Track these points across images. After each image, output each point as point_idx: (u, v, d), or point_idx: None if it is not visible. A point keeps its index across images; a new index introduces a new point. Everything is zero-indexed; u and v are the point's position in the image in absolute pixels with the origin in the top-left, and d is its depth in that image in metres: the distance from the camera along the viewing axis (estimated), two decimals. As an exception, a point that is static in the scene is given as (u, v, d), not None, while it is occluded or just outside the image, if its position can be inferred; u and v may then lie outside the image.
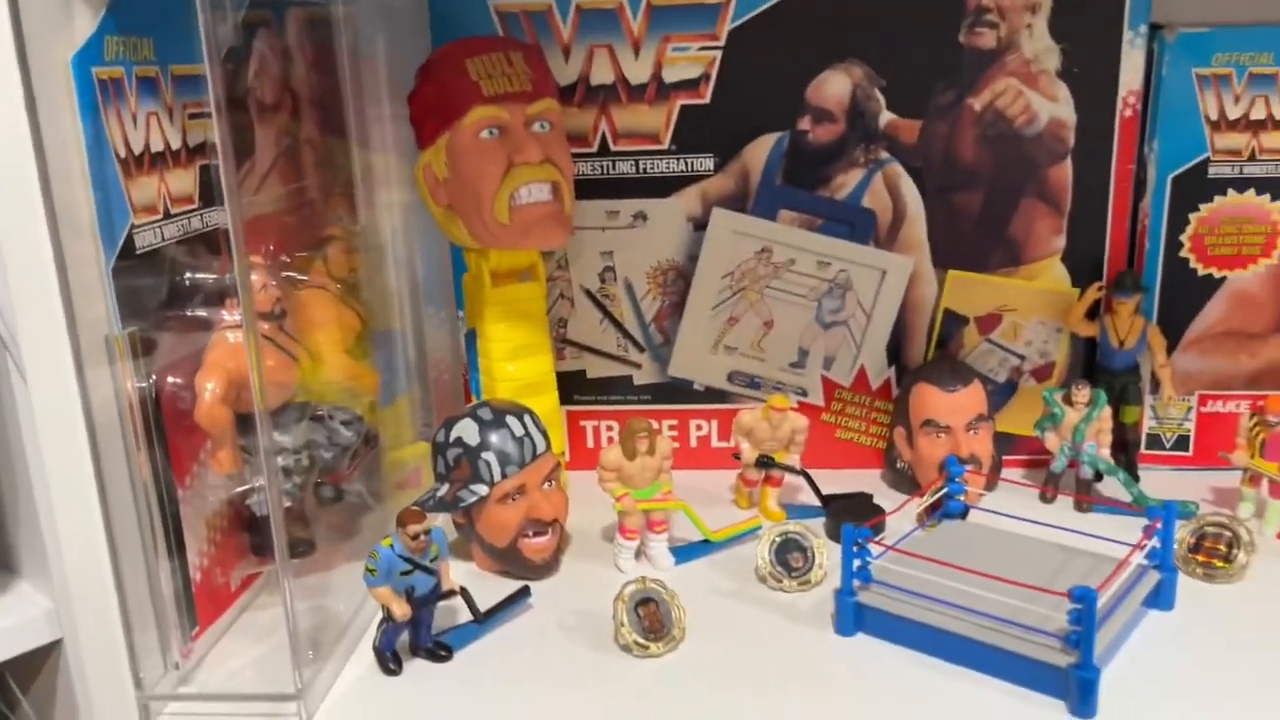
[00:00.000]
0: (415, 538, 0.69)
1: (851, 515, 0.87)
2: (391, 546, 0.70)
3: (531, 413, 0.86)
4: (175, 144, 0.72)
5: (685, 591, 0.82)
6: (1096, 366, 0.97)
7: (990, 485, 0.96)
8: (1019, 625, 0.69)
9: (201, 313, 0.73)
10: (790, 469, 0.92)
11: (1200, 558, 0.81)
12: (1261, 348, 0.97)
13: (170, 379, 0.70)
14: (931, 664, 0.72)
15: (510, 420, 0.84)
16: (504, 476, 0.82)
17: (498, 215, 0.84)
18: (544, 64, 0.89)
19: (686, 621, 0.76)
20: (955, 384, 0.93)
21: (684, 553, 0.88)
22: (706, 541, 0.88)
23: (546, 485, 0.85)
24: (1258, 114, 0.91)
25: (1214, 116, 0.91)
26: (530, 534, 0.84)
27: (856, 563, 0.75)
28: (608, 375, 1.03)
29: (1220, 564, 0.80)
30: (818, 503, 0.93)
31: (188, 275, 0.72)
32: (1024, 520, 0.83)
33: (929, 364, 0.98)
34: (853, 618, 0.75)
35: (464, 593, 0.74)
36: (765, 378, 1.02)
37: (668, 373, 1.03)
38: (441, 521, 0.90)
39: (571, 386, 1.03)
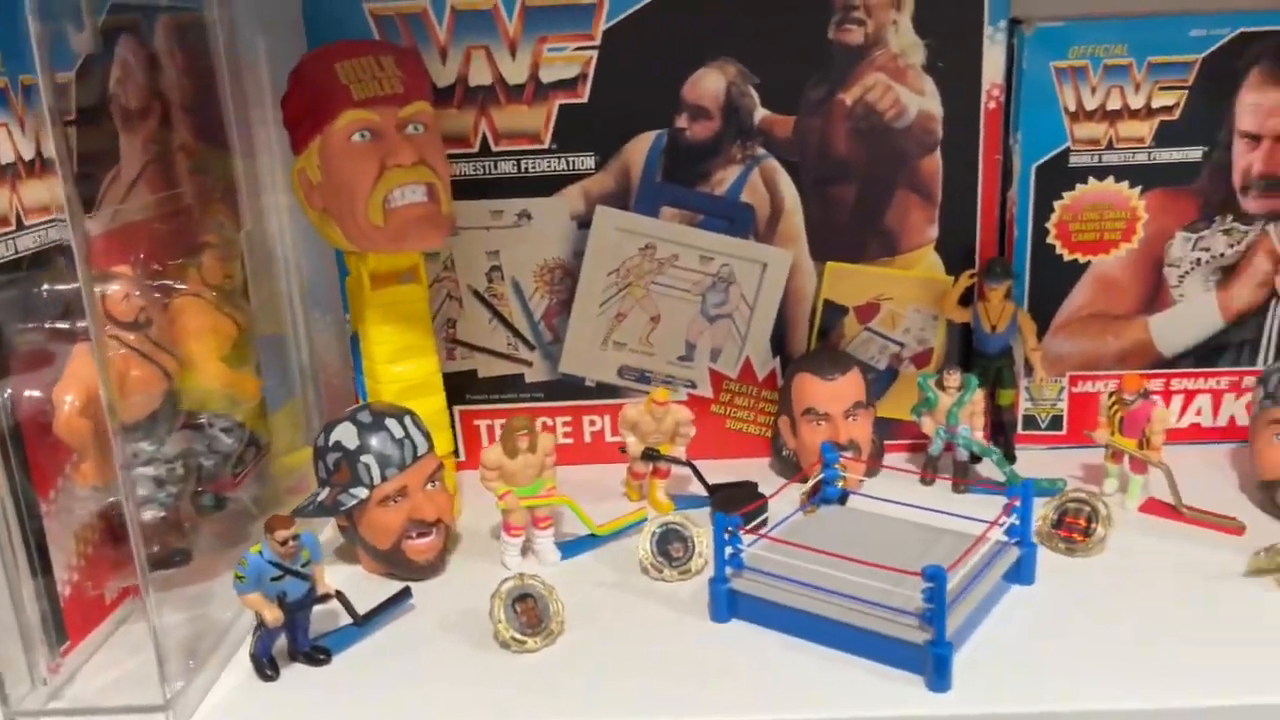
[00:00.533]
0: (284, 543, 0.69)
1: (735, 503, 0.89)
2: (261, 553, 0.70)
3: (413, 414, 0.86)
4: (28, 154, 0.71)
5: (569, 585, 0.83)
6: (972, 351, 1.01)
7: (872, 470, 0.98)
8: (881, 606, 0.71)
9: (62, 325, 0.72)
10: (676, 460, 0.94)
11: (1062, 533, 0.85)
12: (1126, 329, 1.01)
13: (28, 392, 0.69)
14: (801, 646, 0.74)
15: (390, 422, 0.84)
16: (384, 479, 0.83)
17: (372, 218, 0.84)
18: (417, 66, 0.89)
19: (566, 615, 0.77)
20: (834, 372, 0.96)
21: (571, 547, 0.89)
22: (593, 535, 0.90)
23: (430, 486, 0.85)
24: (1114, 104, 0.95)
25: (1072, 107, 0.95)
26: (414, 535, 0.84)
27: (728, 550, 0.77)
28: (499, 374, 1.04)
29: (1080, 539, 0.84)
30: (705, 492, 0.95)
31: (45, 287, 0.71)
32: (900, 504, 0.86)
33: (809, 354, 1.00)
34: (726, 604, 0.77)
35: (340, 596, 0.75)
36: (655, 372, 1.03)
37: (559, 370, 1.04)
38: (326, 525, 0.91)
39: (464, 386, 1.04)
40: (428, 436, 0.86)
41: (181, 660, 0.73)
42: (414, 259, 0.92)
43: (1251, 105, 0.94)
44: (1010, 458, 1.01)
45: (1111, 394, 0.91)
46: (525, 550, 0.88)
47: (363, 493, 0.83)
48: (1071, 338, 1.01)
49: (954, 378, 0.93)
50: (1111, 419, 0.91)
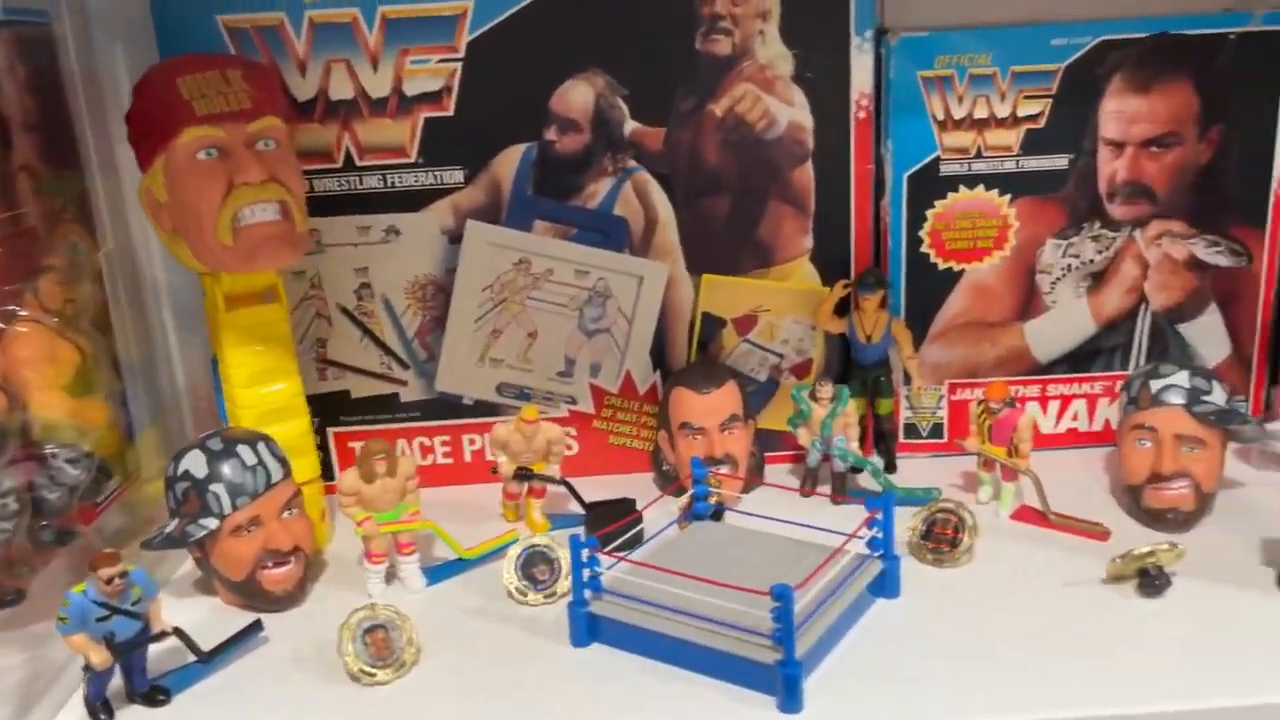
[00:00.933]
0: (109, 581, 0.66)
1: (611, 520, 0.88)
2: (85, 592, 0.66)
3: (267, 439, 0.83)
4: None
5: (432, 612, 0.81)
6: (850, 362, 1.01)
7: (752, 484, 0.97)
8: (734, 627, 0.70)
9: None
10: (549, 479, 0.92)
11: (930, 544, 0.84)
12: (1002, 336, 1.01)
13: None
14: (659, 670, 0.73)
15: (242, 449, 0.81)
16: (235, 508, 0.80)
17: (220, 237, 0.81)
18: (268, 81, 0.86)
19: (420, 644, 0.75)
20: (708, 386, 0.94)
21: (438, 572, 0.87)
22: (461, 560, 0.88)
23: (286, 514, 0.82)
24: (980, 113, 0.95)
25: (941, 116, 0.95)
26: (269, 565, 0.81)
27: (586, 573, 0.75)
28: (373, 394, 1.01)
29: (948, 549, 0.84)
30: (582, 510, 0.94)
31: None
32: (775, 520, 0.85)
33: (686, 368, 0.99)
34: (586, 628, 0.76)
35: (179, 633, 0.72)
36: (535, 388, 1.02)
37: (435, 388, 1.01)
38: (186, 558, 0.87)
39: (337, 408, 1.01)
40: (284, 462, 0.83)
41: (14, 705, 0.70)
42: (272, 278, 0.89)
43: (1114, 113, 0.95)
44: (892, 467, 1.02)
45: (980, 403, 0.91)
46: (390, 577, 0.86)
47: (212, 523, 0.80)
48: (949, 346, 1.01)
49: (826, 389, 0.93)
50: (981, 427, 0.91)
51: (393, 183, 0.96)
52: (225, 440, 0.82)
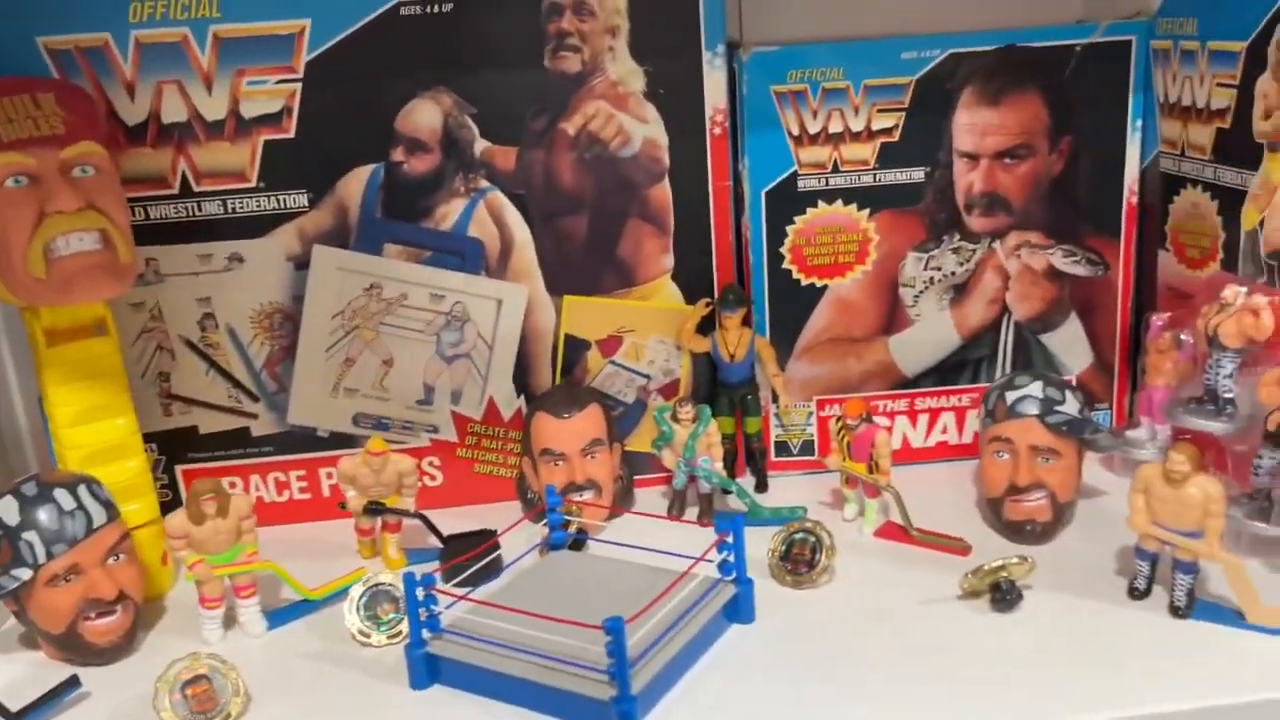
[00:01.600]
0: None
1: (465, 553, 0.85)
2: None
3: (90, 481, 0.79)
4: None
5: (270, 657, 0.78)
6: (717, 381, 0.99)
7: (619, 509, 0.95)
8: (572, 663, 0.68)
9: None
10: (401, 513, 0.89)
11: (789, 565, 0.83)
12: (867, 351, 1.01)
13: None
14: (500, 710, 0.70)
15: (59, 493, 0.76)
16: (50, 557, 0.75)
17: (31, 270, 0.76)
18: (86, 104, 0.82)
19: (250, 693, 0.71)
20: (569, 410, 0.92)
21: (282, 615, 0.83)
22: (306, 600, 0.84)
23: (111, 560, 0.78)
24: (835, 127, 0.94)
25: (796, 131, 0.94)
26: (92, 615, 0.77)
27: (423, 612, 0.72)
28: (223, 429, 0.97)
29: (806, 570, 0.82)
30: (440, 544, 0.90)
31: None
32: (636, 547, 0.82)
33: (547, 392, 0.97)
34: (425, 670, 0.72)
35: (-23, 695, 0.67)
36: (393, 418, 0.98)
37: (287, 421, 0.97)
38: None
39: (184, 444, 0.96)
40: (109, 505, 0.79)
41: None
42: (99, 311, 0.84)
43: (966, 125, 0.95)
44: (763, 486, 1.00)
45: (838, 419, 0.90)
46: (231, 621, 0.82)
47: (25, 574, 0.75)
48: (815, 362, 1.00)
49: (687, 410, 0.91)
50: (840, 444, 0.90)
51: (233, 208, 0.92)
52: (41, 485, 0.77)
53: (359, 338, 0.96)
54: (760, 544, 0.84)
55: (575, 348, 0.98)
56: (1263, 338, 0.81)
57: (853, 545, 0.88)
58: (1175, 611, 0.74)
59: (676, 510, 0.95)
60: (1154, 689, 0.67)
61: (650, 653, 0.68)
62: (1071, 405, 0.86)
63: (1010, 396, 0.87)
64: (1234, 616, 0.73)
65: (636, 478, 1.01)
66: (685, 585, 0.74)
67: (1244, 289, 0.82)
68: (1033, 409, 0.86)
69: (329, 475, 0.99)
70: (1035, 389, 0.87)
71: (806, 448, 1.03)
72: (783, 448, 1.03)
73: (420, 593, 0.71)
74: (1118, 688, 0.67)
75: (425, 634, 0.72)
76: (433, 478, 1.00)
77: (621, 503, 0.96)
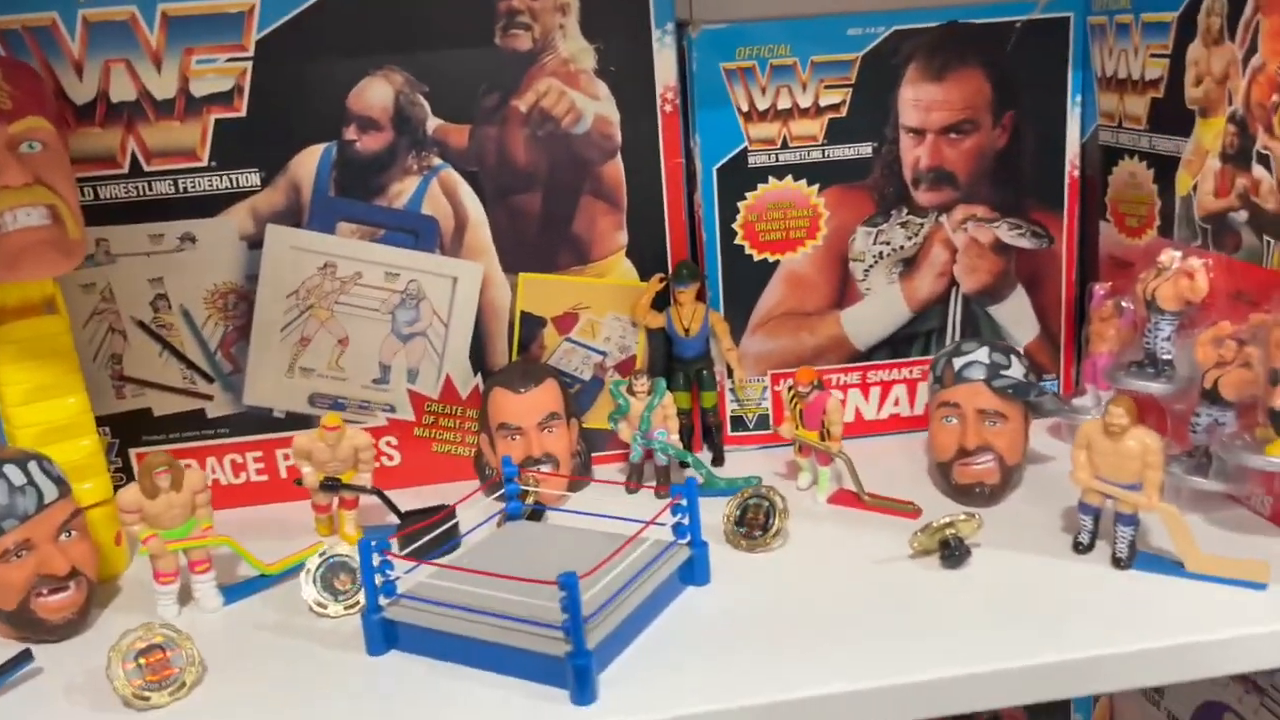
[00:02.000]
0: None
1: (426, 529, 0.86)
2: None
3: (42, 459, 0.78)
4: None
5: (226, 630, 0.77)
6: (672, 356, 1.00)
7: (578, 483, 0.96)
8: (529, 622, 0.68)
9: None
10: (358, 488, 0.89)
11: (744, 530, 0.84)
12: (820, 325, 1.02)
13: None
14: (457, 672, 0.70)
15: (9, 469, 0.75)
16: (1, 532, 0.74)
17: (-23, 246, 0.76)
18: (32, 81, 0.82)
19: (206, 663, 0.71)
20: (525, 384, 0.93)
21: (238, 590, 0.82)
22: (263, 575, 0.84)
23: (63, 536, 0.77)
24: (784, 104, 0.96)
25: (745, 108, 0.96)
26: (44, 592, 0.76)
27: (379, 578, 0.72)
28: (177, 411, 0.96)
29: (760, 534, 0.83)
30: (398, 520, 0.91)
31: None
32: (594, 515, 0.83)
33: (504, 368, 0.97)
34: (382, 635, 0.72)
35: (-75, 668, 0.66)
36: (349, 397, 0.98)
37: (243, 402, 0.97)
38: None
39: (138, 427, 0.96)
40: (60, 482, 0.78)
41: None
42: (48, 289, 0.84)
43: (912, 101, 0.97)
44: (719, 460, 1.01)
45: (790, 388, 0.91)
46: (186, 598, 0.81)
47: (-26, 550, 0.74)
48: (769, 336, 1.02)
49: (642, 382, 0.92)
50: (793, 413, 0.91)
51: (185, 188, 0.92)
52: (-10, 461, 0.76)
53: (314, 317, 0.96)
54: (716, 514, 0.85)
55: (531, 325, 0.99)
56: (1198, 299, 0.83)
57: (807, 513, 0.89)
58: (1117, 563, 0.76)
59: (634, 483, 0.96)
60: (1096, 634, 0.68)
61: (605, 610, 0.69)
62: (1017, 370, 0.88)
63: (957, 362, 0.89)
64: (1174, 566, 0.75)
65: (594, 454, 1.02)
66: (639, 547, 0.74)
67: (1179, 253, 0.85)
68: (979, 374, 0.88)
69: (286, 456, 0.99)
70: (982, 355, 0.88)
71: (762, 422, 1.04)
72: (738, 422, 1.04)
73: (376, 558, 0.72)
74: (1061, 633, 0.69)
75: (381, 600, 0.72)
76: (390, 457, 1.00)
77: (578, 477, 0.97)
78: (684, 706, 0.64)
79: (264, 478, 0.99)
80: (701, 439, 1.03)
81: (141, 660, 0.69)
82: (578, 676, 0.65)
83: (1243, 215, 0.80)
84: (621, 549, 0.72)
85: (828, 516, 0.89)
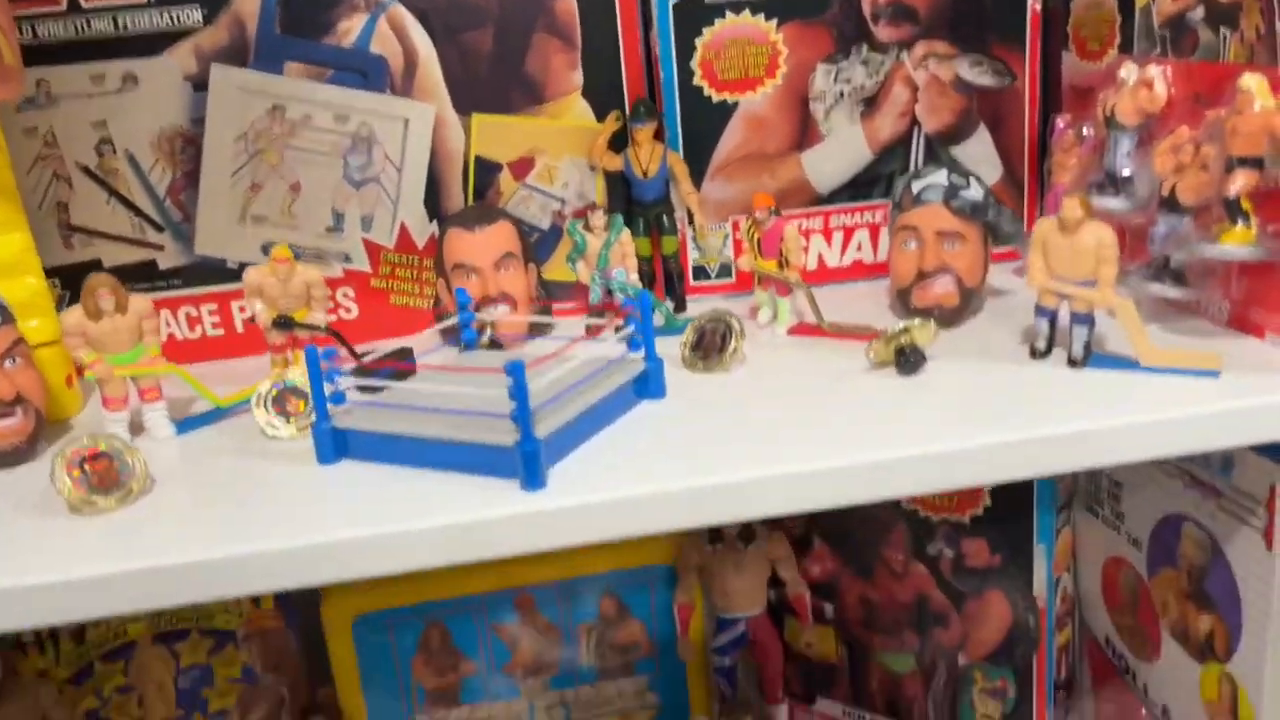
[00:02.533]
0: None
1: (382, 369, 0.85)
2: None
3: (-19, 285, 0.77)
4: None
5: (178, 453, 0.77)
6: (631, 200, 0.99)
7: (535, 330, 0.95)
8: (478, 414, 0.68)
9: None
10: (312, 327, 0.87)
11: (701, 353, 0.83)
12: (781, 168, 1.01)
13: None
14: (408, 474, 0.69)
15: (-52, 293, 0.75)
16: (-59, 354, 0.74)
17: (-94, 64, 0.74)
18: (-42, -101, 0.79)
19: (154, 476, 0.71)
20: (480, 223, 0.91)
21: (191, 422, 0.82)
22: (217, 408, 0.83)
23: (7, 363, 0.76)
24: (739, -66, 0.94)
25: (698, -61, 0.94)
26: (-11, 418, 0.75)
27: (327, 387, 0.71)
28: (128, 261, 0.95)
29: (717, 355, 0.83)
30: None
31: None
32: (550, 339, 0.82)
33: (458, 211, 0.96)
34: (332, 444, 0.72)
35: None
36: (304, 246, 0.97)
37: (195, 252, 0.96)
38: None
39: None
40: (2, 309, 0.77)
41: None
42: (-15, 122, 0.82)
43: (869, -70, 0.95)
44: (681, 308, 1.00)
45: (747, 217, 0.90)
46: (138, 430, 0.80)
47: (-86, 371, 0.73)
48: (729, 180, 1.00)
49: (598, 217, 0.91)
50: (752, 243, 0.90)
51: (124, 25, 0.89)
52: (-72, 284, 0.75)
53: (264, 161, 0.94)
54: (675, 349, 0.84)
55: (486, 171, 0.98)
56: (1157, 108, 0.82)
57: (767, 345, 0.89)
58: (1072, 363, 0.76)
59: (595, 328, 0.95)
60: (1051, 418, 0.68)
61: (554, 405, 0.68)
62: (976, 191, 0.87)
63: (916, 185, 0.88)
64: (1128, 363, 0.74)
65: (555, 307, 1.01)
66: (591, 354, 0.74)
67: (1137, 65, 0.84)
68: (937, 195, 0.86)
69: (241, 309, 0.98)
70: (940, 177, 0.87)
71: (724, 271, 1.03)
72: (700, 272, 1.03)
73: (324, 364, 0.71)
74: (1015, 419, 0.69)
75: (330, 408, 0.72)
76: (348, 310, 0.99)
77: (537, 321, 0.95)
78: (632, 488, 0.64)
79: (219, 331, 0.98)
80: (664, 289, 1.02)
81: (87, 467, 0.68)
82: (526, 462, 0.64)
83: (1199, 13, 0.79)
84: (571, 345, 0.71)
85: (788, 346, 0.89)
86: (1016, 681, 1.00)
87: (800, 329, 0.91)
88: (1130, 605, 0.93)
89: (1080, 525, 0.98)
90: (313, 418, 0.77)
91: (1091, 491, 0.96)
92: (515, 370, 0.63)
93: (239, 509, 0.67)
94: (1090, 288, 0.74)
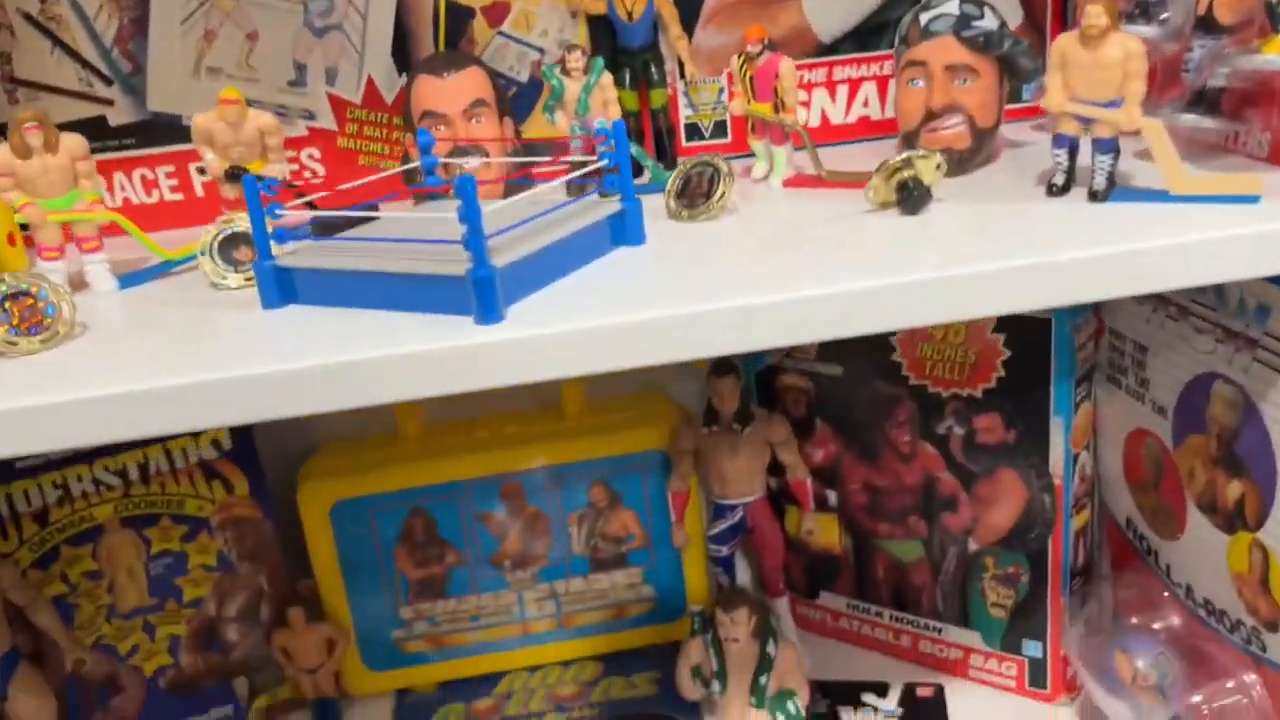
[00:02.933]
0: None
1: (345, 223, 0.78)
2: None
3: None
4: None
5: (118, 305, 0.71)
6: (617, 50, 0.91)
7: (511, 189, 0.88)
8: (432, 243, 0.61)
9: None
10: (270, 181, 0.81)
11: (686, 200, 0.76)
12: (780, 14, 0.92)
13: None
14: (358, 315, 0.64)
15: None
16: None
17: None
18: None
19: (85, 322, 0.65)
20: (450, 69, 0.83)
21: (136, 276, 0.76)
22: (167, 261, 0.77)
23: (-67, 206, 0.71)
24: None
25: None
26: (-87, 263, 0.70)
27: (270, 223, 0.65)
28: (76, 118, 0.88)
29: (703, 201, 0.76)
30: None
31: None
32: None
33: (427, 56, 0.89)
34: (276, 285, 0.66)
35: None
36: (263, 101, 0.90)
37: (148, 108, 0.89)
38: None
39: (35, 136, 0.89)
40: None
41: None
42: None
43: None
44: (671, 167, 0.93)
45: (739, 54, 0.82)
46: (79, 284, 0.75)
47: None
48: (723, 28, 0.92)
49: (576, 58, 0.83)
50: (745, 84, 0.82)
51: None
52: None
53: (216, 7, 0.87)
54: (654, 207, 0.77)
55: (458, 17, 0.90)
56: (1194, -81, 0.74)
57: (761, 197, 0.82)
58: (1094, 196, 0.68)
59: (577, 184, 0.88)
60: (1072, 245, 0.61)
61: (512, 233, 0.62)
62: (990, 21, 0.79)
63: (924, 17, 0.79)
64: (1157, 194, 0.67)
65: (535, 171, 0.94)
66: (558, 193, 0.67)
67: (1173, -128, 0.75)
68: (947, 26, 0.78)
69: (200, 171, 0.92)
70: (951, 6, 0.79)
71: (719, 129, 0.95)
72: (693, 130, 0.95)
73: (264, 197, 0.65)
74: (1034, 247, 0.61)
75: (274, 246, 0.66)
76: (314, 173, 0.93)
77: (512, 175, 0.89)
78: (599, 319, 0.58)
79: (178, 195, 0.92)
80: (654, 148, 0.95)
81: (9, 305, 0.63)
82: (479, 290, 0.58)
83: None
84: (532, 169, 0.65)
85: (783, 196, 0.82)
86: (1030, 567, 0.94)
87: (798, 180, 0.83)
88: (1154, 480, 0.87)
89: (1101, 399, 0.91)
90: (261, 265, 0.72)
91: (1113, 360, 0.89)
92: (464, 185, 0.57)
93: (175, 347, 0.62)
94: (1115, 109, 0.66)
